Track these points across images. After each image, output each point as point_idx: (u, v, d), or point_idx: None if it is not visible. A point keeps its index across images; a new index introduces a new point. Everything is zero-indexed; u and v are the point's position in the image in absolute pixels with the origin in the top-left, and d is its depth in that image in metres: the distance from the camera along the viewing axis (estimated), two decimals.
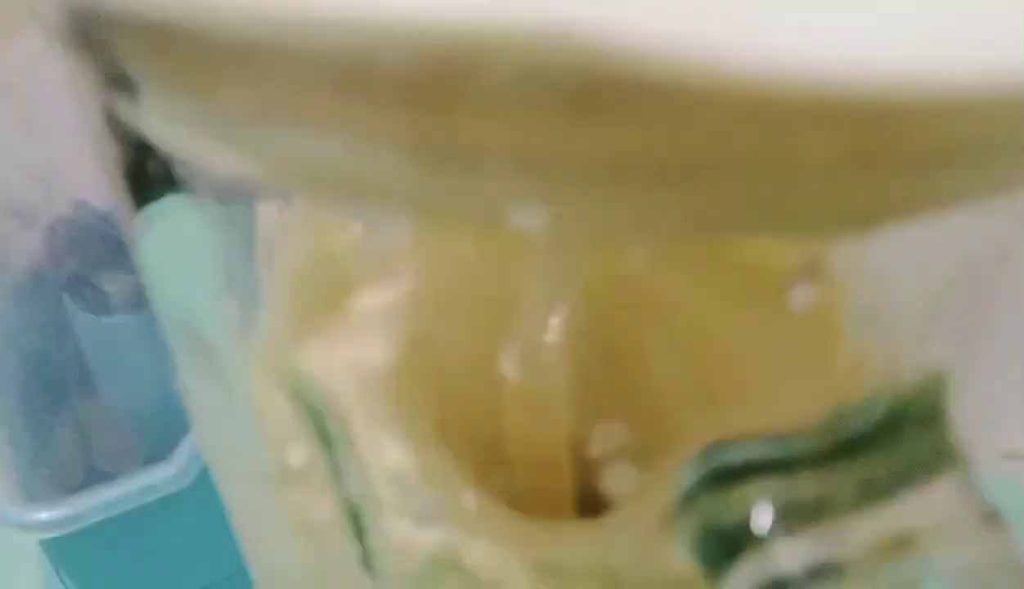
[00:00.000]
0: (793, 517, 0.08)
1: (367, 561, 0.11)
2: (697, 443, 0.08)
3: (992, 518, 0.08)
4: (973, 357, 0.09)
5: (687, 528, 0.09)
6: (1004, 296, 0.09)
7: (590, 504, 0.10)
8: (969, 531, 0.08)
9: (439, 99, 0.06)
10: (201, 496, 0.32)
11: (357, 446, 0.10)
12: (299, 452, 0.10)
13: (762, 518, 0.08)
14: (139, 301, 0.37)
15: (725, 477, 0.08)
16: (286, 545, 0.12)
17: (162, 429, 0.37)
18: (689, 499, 0.08)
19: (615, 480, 0.09)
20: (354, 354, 0.11)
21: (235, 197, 0.11)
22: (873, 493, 0.08)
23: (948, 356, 0.08)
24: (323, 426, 0.10)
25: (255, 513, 0.12)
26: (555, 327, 0.09)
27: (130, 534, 0.33)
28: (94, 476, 0.34)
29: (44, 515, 0.31)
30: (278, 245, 0.12)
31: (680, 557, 0.10)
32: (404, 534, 0.10)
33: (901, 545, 0.08)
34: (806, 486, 0.08)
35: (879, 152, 0.06)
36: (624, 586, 0.10)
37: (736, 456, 0.08)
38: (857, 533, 0.08)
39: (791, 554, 0.08)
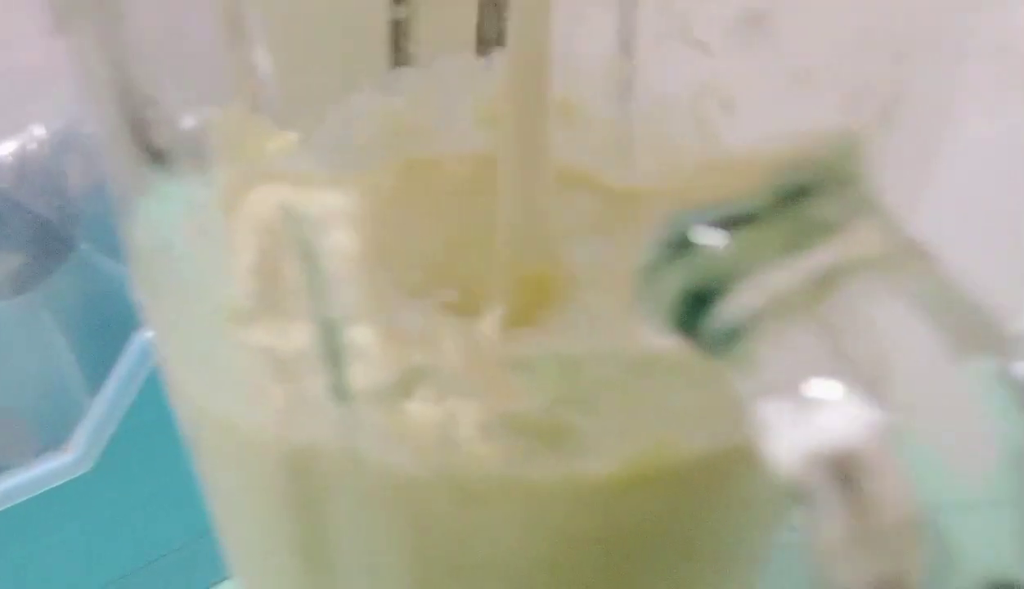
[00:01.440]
0: (751, 263, 0.09)
1: (338, 386, 0.12)
2: (660, 213, 0.10)
3: (918, 250, 0.09)
4: (887, 124, 0.10)
5: (658, 295, 0.10)
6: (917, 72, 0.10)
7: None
8: (899, 260, 0.09)
9: None
10: (103, 484, 0.31)
11: (335, 260, 0.10)
12: (275, 278, 0.11)
13: (729, 269, 0.09)
14: (21, 284, 0.36)
15: (689, 240, 0.09)
16: (249, 394, 0.12)
17: (53, 419, 0.36)
18: (657, 266, 0.09)
19: (582, 253, 0.10)
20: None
21: None
22: (811, 235, 0.09)
23: (865, 121, 0.10)
24: (305, 240, 0.10)
25: (215, 366, 0.12)
26: None
27: (24, 528, 0.32)
28: None
29: None
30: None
31: (642, 336, 0.11)
32: (379, 346, 0.11)
33: (844, 273, 0.09)
34: (758, 237, 0.09)
35: None
36: (586, 373, 0.11)
37: (697, 220, 0.09)
38: (803, 270, 0.09)
39: (757, 293, 0.09)
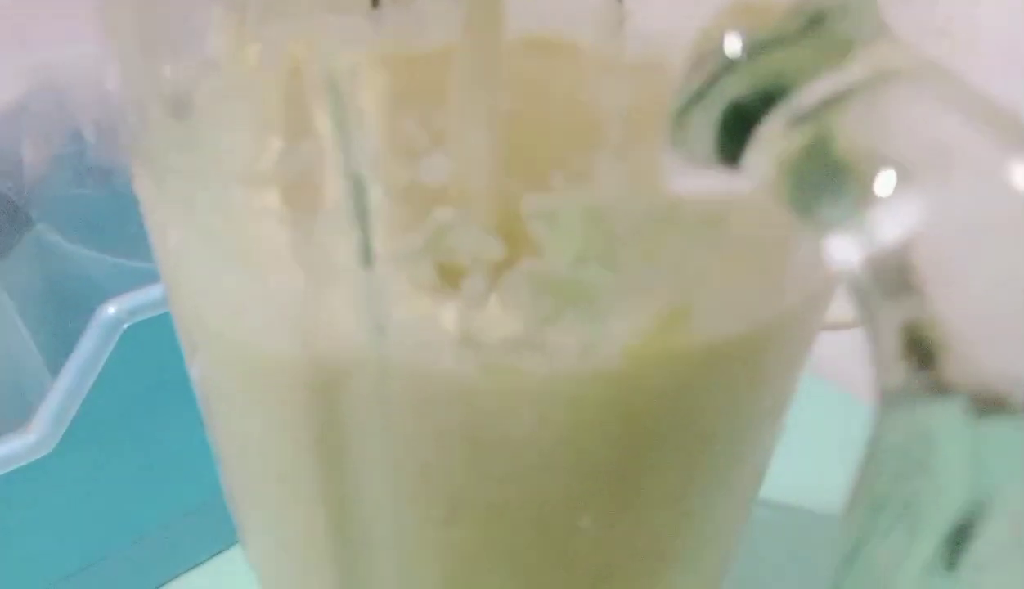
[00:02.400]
0: (788, 78, 0.09)
1: (365, 247, 0.12)
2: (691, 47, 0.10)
3: (938, 64, 0.09)
4: None
5: (698, 123, 0.10)
6: None
7: None
8: (925, 71, 0.09)
9: None
10: (66, 466, 0.31)
11: (363, 103, 0.10)
12: (299, 130, 0.11)
13: (770, 84, 0.09)
14: None
15: (728, 69, 0.10)
16: (266, 271, 0.12)
17: (13, 400, 0.35)
18: (697, 94, 0.10)
19: (607, 103, 0.11)
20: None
21: None
22: (837, 52, 0.10)
23: None
24: (335, 81, 0.10)
25: (229, 246, 0.12)
26: None
27: None
28: None
29: None
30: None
31: (668, 184, 0.11)
32: (404, 201, 0.11)
33: (876, 83, 0.09)
34: (789, 56, 0.10)
35: None
36: (611, 224, 0.11)
37: (731, 49, 0.10)
38: (838, 83, 0.09)
39: (811, 94, 0.09)
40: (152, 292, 0.31)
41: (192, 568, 0.35)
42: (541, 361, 0.12)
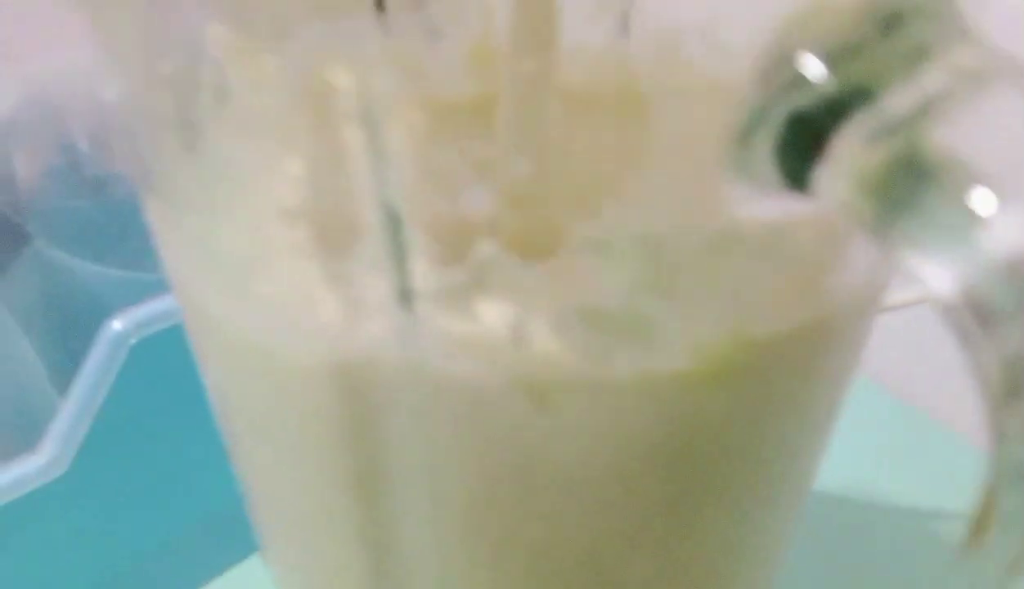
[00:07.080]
0: (863, 92, 0.09)
1: (401, 286, 0.11)
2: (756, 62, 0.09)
3: (1018, 63, 0.09)
4: None
5: (761, 144, 0.09)
6: None
7: None
8: (1006, 72, 0.09)
9: None
10: (80, 486, 0.30)
11: (399, 134, 0.10)
12: (331, 164, 0.10)
13: (842, 99, 0.08)
14: None
15: (799, 76, 0.09)
16: (296, 308, 0.11)
17: (21, 421, 0.34)
18: (763, 109, 0.09)
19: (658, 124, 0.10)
20: None
21: None
22: (913, 59, 0.09)
23: None
24: (370, 111, 0.09)
25: (254, 282, 0.11)
26: None
27: None
28: None
29: None
30: None
31: (725, 210, 0.10)
32: (444, 236, 0.10)
33: (956, 91, 0.08)
34: (864, 66, 0.09)
35: None
36: (667, 254, 0.10)
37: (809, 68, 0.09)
38: (914, 94, 0.09)
39: (894, 104, 0.08)
40: (159, 305, 0.30)
41: (210, 581, 0.34)
42: (593, 394, 0.12)
